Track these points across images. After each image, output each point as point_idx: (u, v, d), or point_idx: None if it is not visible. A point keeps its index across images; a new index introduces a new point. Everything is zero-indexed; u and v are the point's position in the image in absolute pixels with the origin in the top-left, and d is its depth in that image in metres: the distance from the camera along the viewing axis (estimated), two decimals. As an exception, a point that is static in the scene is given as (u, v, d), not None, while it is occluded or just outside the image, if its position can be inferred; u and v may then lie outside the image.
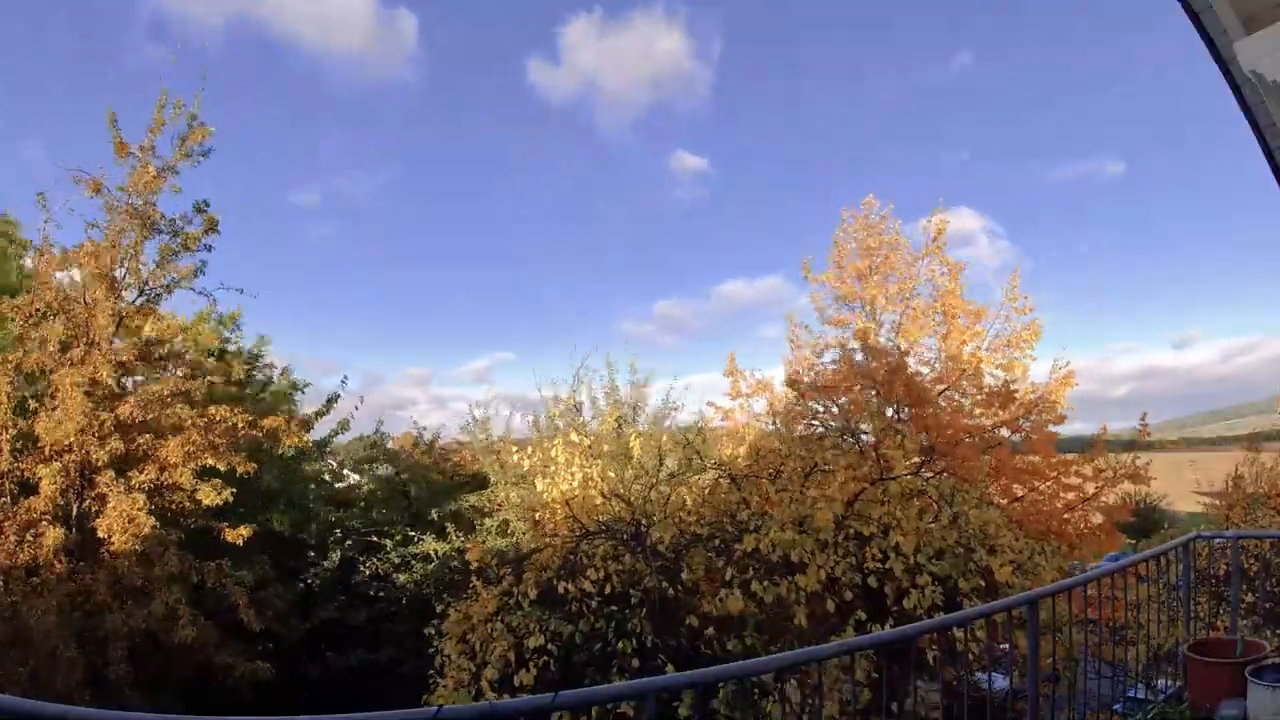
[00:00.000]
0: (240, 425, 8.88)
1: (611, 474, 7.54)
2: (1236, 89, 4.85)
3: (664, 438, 11.44)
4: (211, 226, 9.21)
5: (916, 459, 6.68)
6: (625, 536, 6.32)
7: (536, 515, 7.85)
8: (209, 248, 9.23)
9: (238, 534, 8.75)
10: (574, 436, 8.37)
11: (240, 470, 8.80)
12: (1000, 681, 5.52)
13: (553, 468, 7.63)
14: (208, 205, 9.27)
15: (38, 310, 8.22)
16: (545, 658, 5.54)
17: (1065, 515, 11.35)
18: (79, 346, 8.20)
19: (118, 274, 8.66)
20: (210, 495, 8.38)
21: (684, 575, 5.94)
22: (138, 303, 8.98)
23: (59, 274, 8.76)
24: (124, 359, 8.52)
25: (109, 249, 8.49)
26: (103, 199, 8.61)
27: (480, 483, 14.01)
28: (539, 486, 7.74)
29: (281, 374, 14.12)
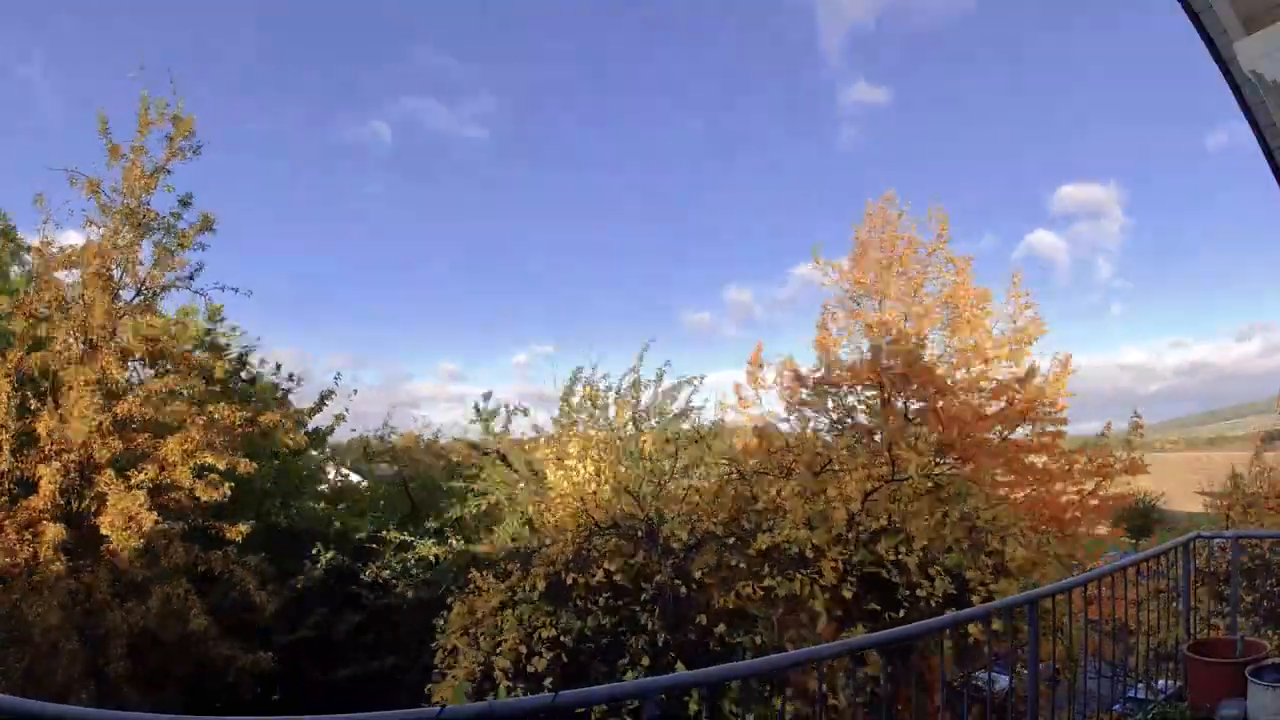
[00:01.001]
0: (238, 423, 8.87)
1: (624, 469, 7.56)
2: (1236, 89, 4.86)
3: (677, 435, 11.44)
4: (206, 226, 9.20)
5: (930, 457, 6.69)
6: (638, 533, 6.33)
7: (545, 510, 7.86)
8: (203, 246, 9.26)
9: (238, 530, 8.74)
10: (590, 431, 8.39)
11: (240, 470, 8.80)
12: (1000, 681, 5.53)
13: (569, 461, 7.66)
14: (191, 199, 9.25)
15: (37, 310, 8.22)
16: (556, 650, 5.56)
17: (1068, 514, 11.40)
18: (78, 346, 8.20)
19: (114, 273, 8.65)
20: (208, 491, 8.37)
21: (696, 573, 5.95)
22: (134, 301, 8.97)
23: (59, 273, 8.76)
24: (130, 356, 8.53)
25: (106, 248, 8.49)
26: (98, 199, 8.62)
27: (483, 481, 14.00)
28: (549, 479, 7.76)
29: (261, 363, 14.06)
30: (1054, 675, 4.78)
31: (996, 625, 4.43)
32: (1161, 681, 4.96)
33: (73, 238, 8.81)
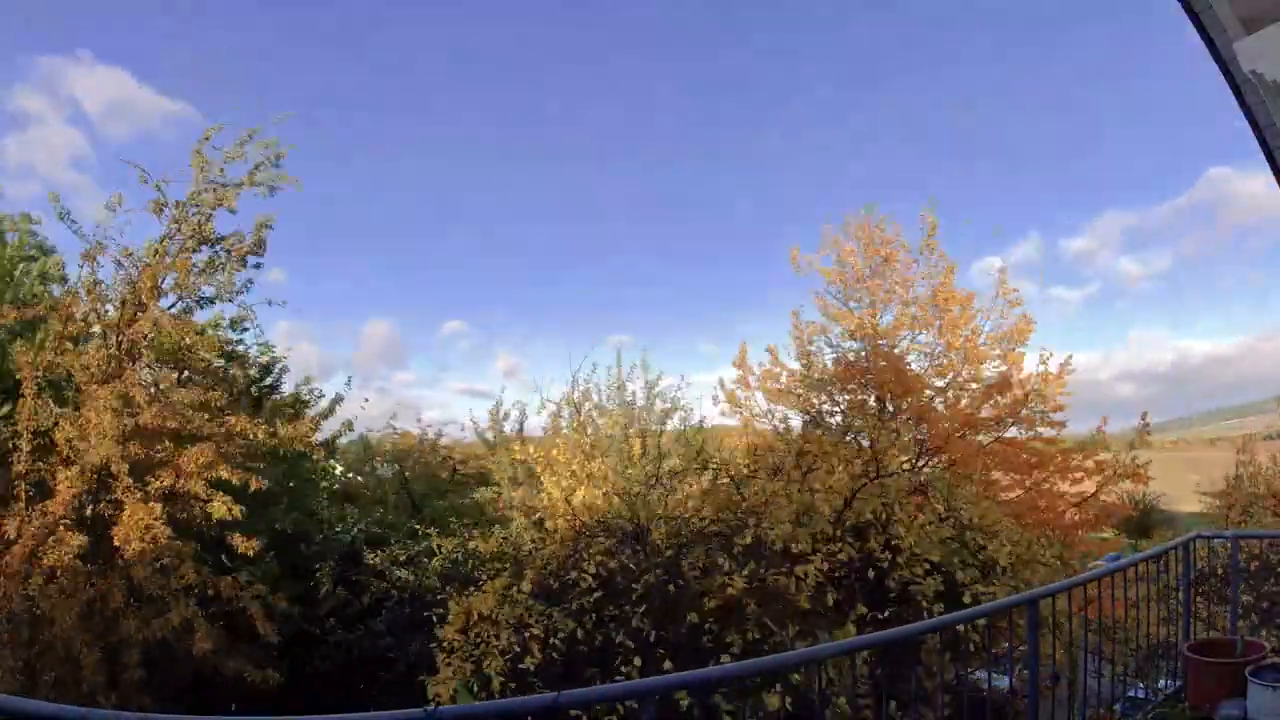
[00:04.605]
0: (259, 437, 8.79)
1: (612, 472, 7.58)
2: (1236, 89, 4.86)
3: (664, 437, 11.49)
4: (259, 246, 9.14)
5: (911, 455, 6.73)
6: (626, 534, 6.36)
7: (538, 514, 7.89)
8: (257, 265, 9.23)
9: (249, 545, 8.56)
10: (574, 434, 8.40)
11: (253, 488, 8.67)
12: (1000, 681, 5.54)
13: (557, 466, 7.67)
14: (271, 226, 9.19)
15: (74, 314, 8.16)
16: (548, 650, 5.58)
17: (1065, 511, 11.40)
18: (115, 353, 8.10)
19: (161, 283, 8.58)
20: (222, 510, 8.31)
21: (684, 571, 5.97)
22: (174, 310, 8.90)
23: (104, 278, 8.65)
24: (157, 372, 8.48)
25: (156, 257, 8.42)
26: (160, 214, 8.56)
27: (484, 481, 14.06)
28: (545, 484, 7.78)
29: (281, 369, 14.09)
30: (1053, 675, 4.78)
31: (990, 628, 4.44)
32: (1161, 681, 4.97)
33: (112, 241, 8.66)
